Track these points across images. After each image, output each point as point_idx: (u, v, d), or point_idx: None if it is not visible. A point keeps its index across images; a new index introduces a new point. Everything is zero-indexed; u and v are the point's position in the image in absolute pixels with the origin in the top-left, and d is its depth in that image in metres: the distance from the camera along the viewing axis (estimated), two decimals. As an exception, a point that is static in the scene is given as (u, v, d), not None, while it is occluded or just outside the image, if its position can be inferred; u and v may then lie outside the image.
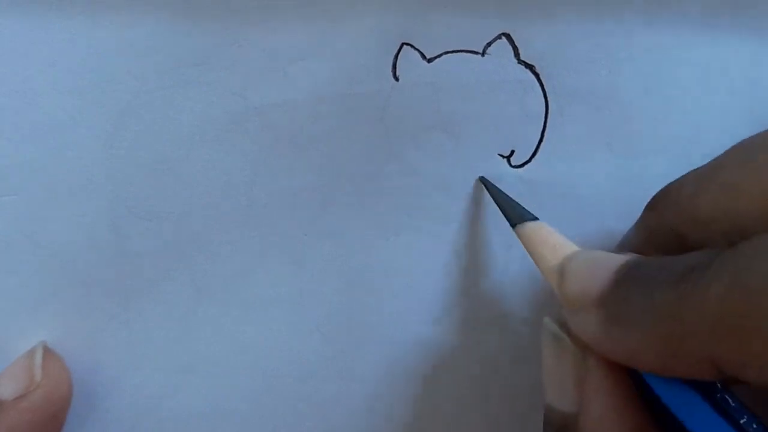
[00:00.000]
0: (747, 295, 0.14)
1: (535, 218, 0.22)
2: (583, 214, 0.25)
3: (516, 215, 0.22)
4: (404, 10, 0.23)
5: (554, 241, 0.21)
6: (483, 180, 0.24)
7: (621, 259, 0.18)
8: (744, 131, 0.24)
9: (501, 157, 0.24)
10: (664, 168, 0.24)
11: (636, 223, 0.22)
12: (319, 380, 0.25)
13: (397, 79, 0.23)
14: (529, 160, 0.24)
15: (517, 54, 0.24)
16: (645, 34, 0.24)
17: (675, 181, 0.21)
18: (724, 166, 0.20)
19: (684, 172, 0.21)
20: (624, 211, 0.24)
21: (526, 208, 0.22)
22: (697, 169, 0.21)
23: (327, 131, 0.24)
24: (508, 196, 0.23)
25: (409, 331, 0.25)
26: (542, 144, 0.24)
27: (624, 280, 0.17)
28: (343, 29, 0.23)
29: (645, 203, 0.22)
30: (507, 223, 0.22)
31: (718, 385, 0.17)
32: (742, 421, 0.17)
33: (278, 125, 0.23)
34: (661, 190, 0.21)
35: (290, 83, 0.23)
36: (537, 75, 0.24)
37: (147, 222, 0.23)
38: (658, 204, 0.22)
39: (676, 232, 0.20)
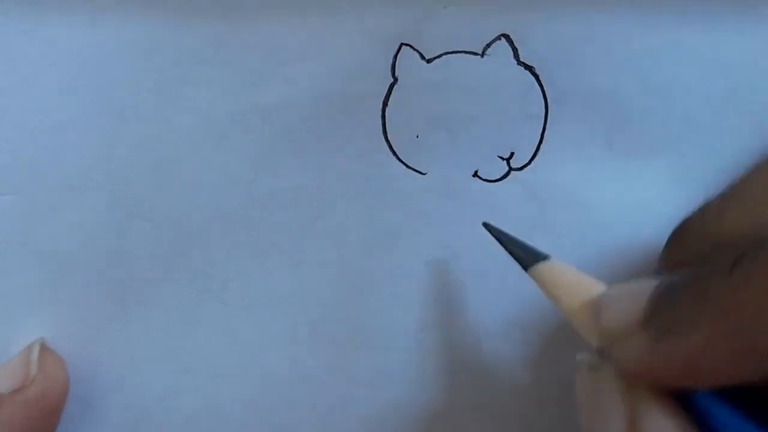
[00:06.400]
0: None
1: (547, 257, 0.21)
2: (584, 215, 0.24)
3: (528, 257, 0.21)
4: (404, 10, 0.23)
5: (573, 278, 0.20)
6: (487, 225, 0.23)
7: (657, 280, 0.18)
8: (744, 131, 0.24)
9: (501, 159, 0.24)
10: (664, 168, 0.24)
11: (659, 260, 0.22)
12: (318, 381, 0.24)
13: (396, 79, 0.24)
14: (530, 162, 0.24)
15: (516, 55, 0.24)
16: (645, 34, 0.24)
17: (693, 212, 0.21)
18: (746, 185, 0.19)
19: (684, 172, 0.21)
20: (624, 212, 0.24)
21: (535, 247, 0.22)
22: (715, 195, 0.20)
23: (327, 131, 0.24)
24: (514, 237, 0.22)
25: (408, 333, 0.25)
26: (542, 145, 0.24)
27: (667, 291, 0.17)
28: (343, 29, 0.23)
29: (645, 203, 0.22)
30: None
31: None
32: None
33: (278, 125, 0.23)
34: (680, 224, 0.21)
35: (290, 83, 0.23)
36: (537, 76, 0.24)
37: (147, 222, 0.23)
38: (680, 237, 0.21)
39: (703, 260, 0.20)
